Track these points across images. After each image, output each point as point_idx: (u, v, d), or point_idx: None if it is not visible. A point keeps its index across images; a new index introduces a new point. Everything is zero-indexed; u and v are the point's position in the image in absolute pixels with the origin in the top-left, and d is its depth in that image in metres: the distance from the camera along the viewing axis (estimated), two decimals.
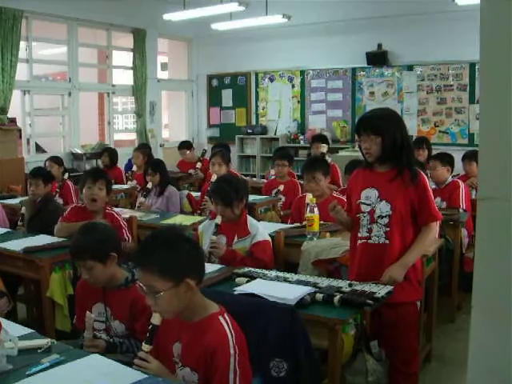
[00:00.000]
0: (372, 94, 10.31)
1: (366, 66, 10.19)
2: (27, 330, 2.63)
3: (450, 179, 5.59)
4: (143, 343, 2.28)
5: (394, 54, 9.89)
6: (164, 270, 2.16)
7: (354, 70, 10.43)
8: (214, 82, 12.18)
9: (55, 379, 2.17)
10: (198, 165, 8.06)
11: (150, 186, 6.00)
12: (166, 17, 9.48)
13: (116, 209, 4.98)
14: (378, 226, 3.24)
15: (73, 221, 4.46)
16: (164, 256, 2.18)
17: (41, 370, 2.22)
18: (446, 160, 5.61)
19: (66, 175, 6.55)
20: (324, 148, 6.93)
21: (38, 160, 8.11)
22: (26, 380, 2.16)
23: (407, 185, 3.18)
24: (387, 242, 3.22)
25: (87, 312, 2.80)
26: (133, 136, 11.42)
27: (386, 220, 3.22)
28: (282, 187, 6.26)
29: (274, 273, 3.38)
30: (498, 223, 1.35)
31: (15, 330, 2.49)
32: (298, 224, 4.69)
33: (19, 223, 5.05)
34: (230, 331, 2.22)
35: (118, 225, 4.39)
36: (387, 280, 3.11)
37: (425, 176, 3.29)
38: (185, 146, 8.60)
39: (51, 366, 2.25)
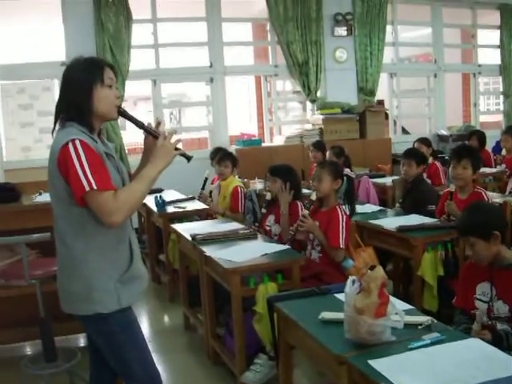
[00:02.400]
0: None
1: None
2: (407, 306, 2.74)
3: None
4: None
5: None
6: None
7: None
8: None
9: (436, 356, 2.21)
10: None
11: None
12: None
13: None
14: None
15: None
16: None
17: (422, 346, 2.28)
18: None
19: (430, 159, 6.51)
20: None
21: (404, 141, 8.31)
22: (407, 353, 2.24)
23: None
24: None
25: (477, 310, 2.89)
26: (496, 118, 11.00)
27: None
28: None
29: None
30: None
31: (398, 304, 2.58)
32: None
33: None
34: None
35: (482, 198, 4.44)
36: None
37: None
38: None
39: (432, 344, 2.30)
